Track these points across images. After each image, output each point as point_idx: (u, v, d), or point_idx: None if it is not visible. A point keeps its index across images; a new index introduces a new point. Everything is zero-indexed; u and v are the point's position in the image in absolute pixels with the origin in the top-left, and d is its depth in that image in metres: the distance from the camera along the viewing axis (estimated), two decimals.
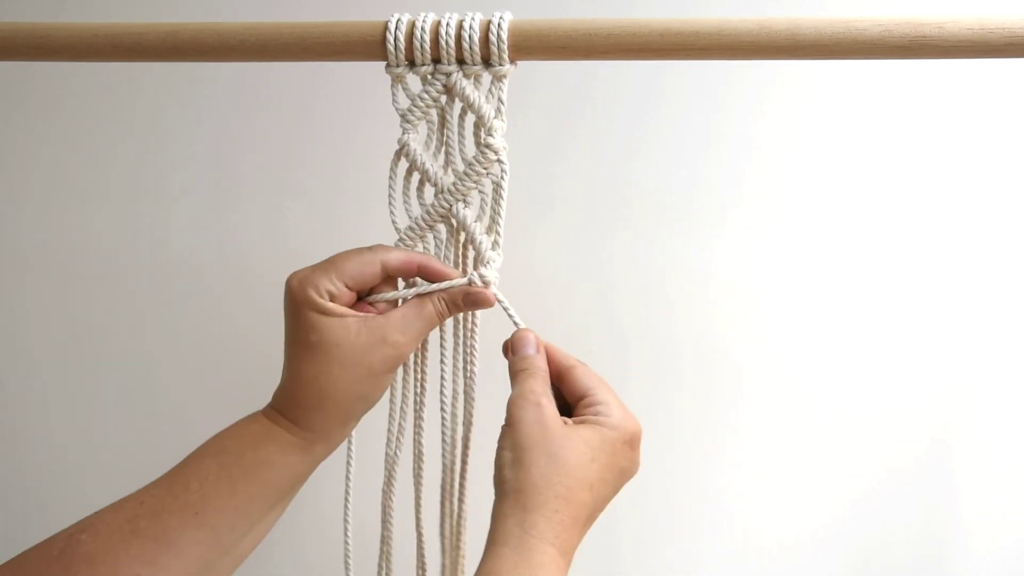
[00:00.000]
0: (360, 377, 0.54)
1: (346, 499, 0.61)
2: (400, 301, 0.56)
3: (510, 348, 0.56)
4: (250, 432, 0.55)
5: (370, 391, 0.55)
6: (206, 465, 0.53)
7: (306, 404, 0.54)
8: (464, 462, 0.61)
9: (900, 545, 0.86)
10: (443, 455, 0.60)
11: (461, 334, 0.59)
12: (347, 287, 0.54)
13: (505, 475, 0.51)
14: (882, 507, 0.85)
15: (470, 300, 0.56)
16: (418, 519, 0.62)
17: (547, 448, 0.50)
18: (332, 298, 0.53)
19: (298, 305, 0.54)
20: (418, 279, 0.56)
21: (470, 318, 0.59)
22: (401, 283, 0.57)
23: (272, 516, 0.55)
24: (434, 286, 0.55)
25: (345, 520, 0.61)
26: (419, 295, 0.55)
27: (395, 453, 0.60)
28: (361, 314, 0.54)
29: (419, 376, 0.59)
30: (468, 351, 0.59)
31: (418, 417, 0.60)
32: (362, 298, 0.56)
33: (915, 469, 0.85)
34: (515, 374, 0.55)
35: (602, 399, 0.54)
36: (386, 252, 0.55)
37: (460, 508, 0.61)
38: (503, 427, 0.52)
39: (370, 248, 0.55)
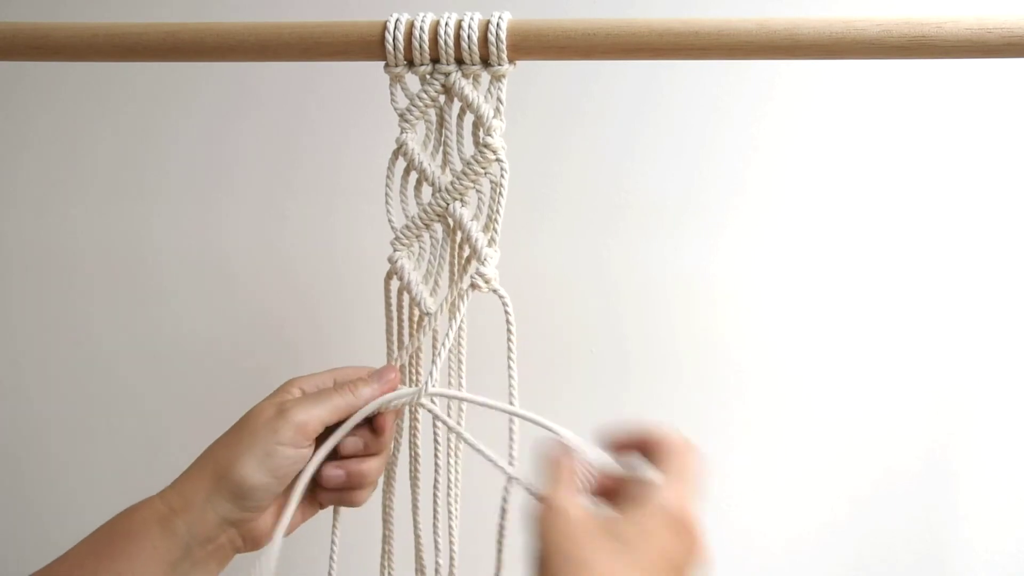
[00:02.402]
0: (244, 438, 0.51)
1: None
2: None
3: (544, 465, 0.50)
4: (133, 506, 0.52)
5: (246, 461, 0.51)
6: (80, 547, 0.50)
7: (191, 465, 0.53)
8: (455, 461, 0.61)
9: (901, 546, 0.86)
10: (435, 455, 0.60)
11: (453, 335, 0.59)
12: (335, 380, 0.56)
13: None
14: (882, 508, 0.85)
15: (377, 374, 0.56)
16: (415, 519, 0.62)
17: (565, 554, 0.42)
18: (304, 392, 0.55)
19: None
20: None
21: (458, 319, 0.58)
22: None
23: None
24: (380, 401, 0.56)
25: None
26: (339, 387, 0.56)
27: (393, 454, 0.60)
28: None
29: (413, 378, 0.59)
30: (459, 351, 0.59)
31: (413, 419, 0.60)
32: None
33: (915, 470, 0.85)
34: (545, 482, 0.48)
35: (651, 475, 0.46)
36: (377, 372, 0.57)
37: (455, 508, 0.61)
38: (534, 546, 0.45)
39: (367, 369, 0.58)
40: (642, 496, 0.44)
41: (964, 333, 0.83)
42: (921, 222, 0.82)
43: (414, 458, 0.60)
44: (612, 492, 0.47)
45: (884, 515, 0.85)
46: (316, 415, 0.53)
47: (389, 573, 0.62)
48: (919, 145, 0.81)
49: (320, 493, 0.56)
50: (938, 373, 0.83)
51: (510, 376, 0.57)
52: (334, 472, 0.55)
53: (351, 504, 0.58)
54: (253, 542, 0.53)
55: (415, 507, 0.62)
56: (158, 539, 0.49)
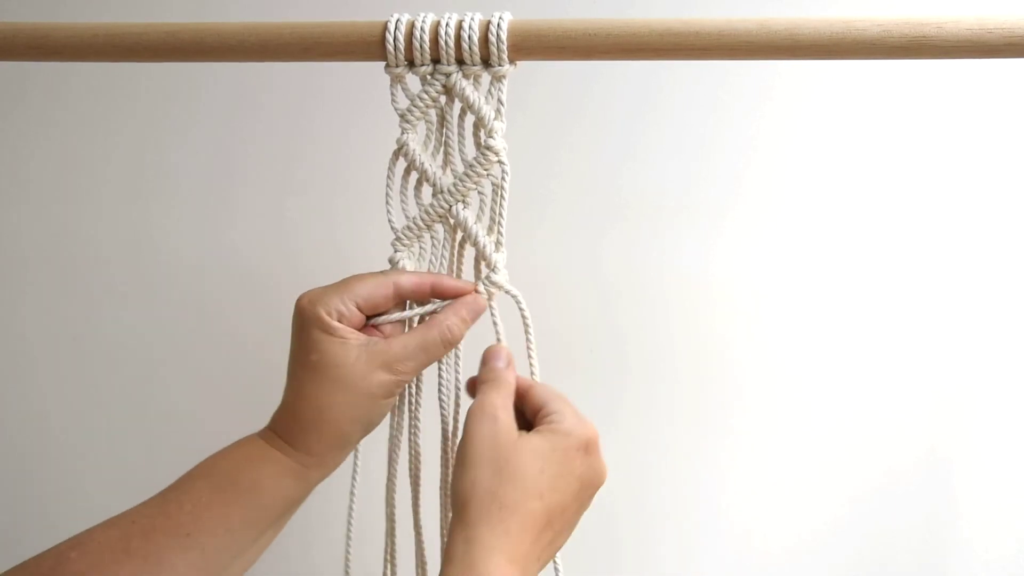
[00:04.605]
0: (358, 401, 0.53)
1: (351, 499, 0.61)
2: (407, 323, 0.57)
3: (482, 359, 0.56)
4: (246, 454, 0.54)
5: (368, 415, 0.55)
6: (199, 486, 0.52)
7: (303, 426, 0.54)
8: None
9: (901, 546, 0.86)
10: (443, 453, 0.60)
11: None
12: (358, 308, 0.54)
13: (455, 489, 0.50)
14: (881, 509, 0.85)
15: (469, 310, 0.56)
16: (416, 517, 0.62)
17: (494, 460, 0.49)
18: (341, 318, 0.54)
19: (304, 323, 0.54)
20: (432, 300, 0.57)
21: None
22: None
23: (264, 540, 0.55)
24: (439, 304, 0.56)
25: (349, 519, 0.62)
26: (427, 323, 0.55)
27: (396, 452, 0.60)
28: (365, 337, 0.54)
29: (416, 382, 0.59)
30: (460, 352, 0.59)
31: (414, 417, 0.60)
32: (371, 319, 0.56)
33: (914, 471, 0.85)
34: (480, 385, 0.55)
35: (555, 408, 0.53)
36: (399, 275, 0.56)
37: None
38: (460, 440, 0.52)
39: (384, 272, 0.56)
40: (556, 421, 0.52)
41: (963, 334, 0.83)
42: (920, 222, 0.82)
43: (415, 456, 0.60)
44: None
45: (884, 516, 0.85)
46: (419, 370, 0.56)
47: (392, 569, 0.63)
48: (918, 145, 0.81)
49: None
50: (937, 373, 0.83)
51: (532, 375, 0.58)
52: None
53: None
54: None
55: (416, 505, 0.62)
56: (291, 489, 0.54)
